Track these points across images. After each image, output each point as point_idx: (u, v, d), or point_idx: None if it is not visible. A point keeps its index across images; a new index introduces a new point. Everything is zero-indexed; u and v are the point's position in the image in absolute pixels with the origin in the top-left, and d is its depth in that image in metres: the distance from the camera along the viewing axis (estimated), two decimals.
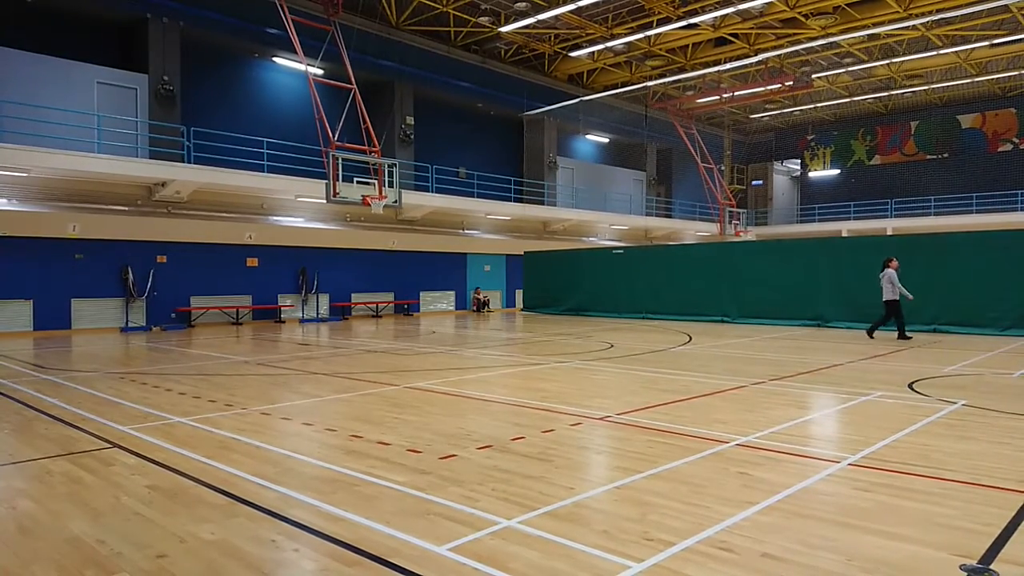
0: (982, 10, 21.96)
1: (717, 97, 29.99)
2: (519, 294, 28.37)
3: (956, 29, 24.76)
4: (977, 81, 31.06)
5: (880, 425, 6.12)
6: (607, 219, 31.42)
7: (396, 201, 19.50)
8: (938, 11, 22.20)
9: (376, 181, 18.95)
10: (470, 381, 9.03)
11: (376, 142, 19.36)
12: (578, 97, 30.18)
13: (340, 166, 18.09)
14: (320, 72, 20.26)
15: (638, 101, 32.69)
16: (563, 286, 24.69)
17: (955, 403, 7.14)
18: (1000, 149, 34.01)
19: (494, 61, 28.25)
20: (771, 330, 17.11)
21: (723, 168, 39.87)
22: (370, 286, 24.35)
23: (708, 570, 3.14)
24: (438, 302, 26.70)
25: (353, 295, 23.87)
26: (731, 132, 40.97)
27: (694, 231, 35.20)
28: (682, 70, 28.79)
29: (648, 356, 11.75)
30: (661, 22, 23.74)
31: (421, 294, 26.00)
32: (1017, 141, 33.50)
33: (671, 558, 3.26)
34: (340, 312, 23.47)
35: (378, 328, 19.43)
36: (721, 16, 23.20)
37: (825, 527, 3.65)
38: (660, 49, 26.95)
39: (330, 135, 17.82)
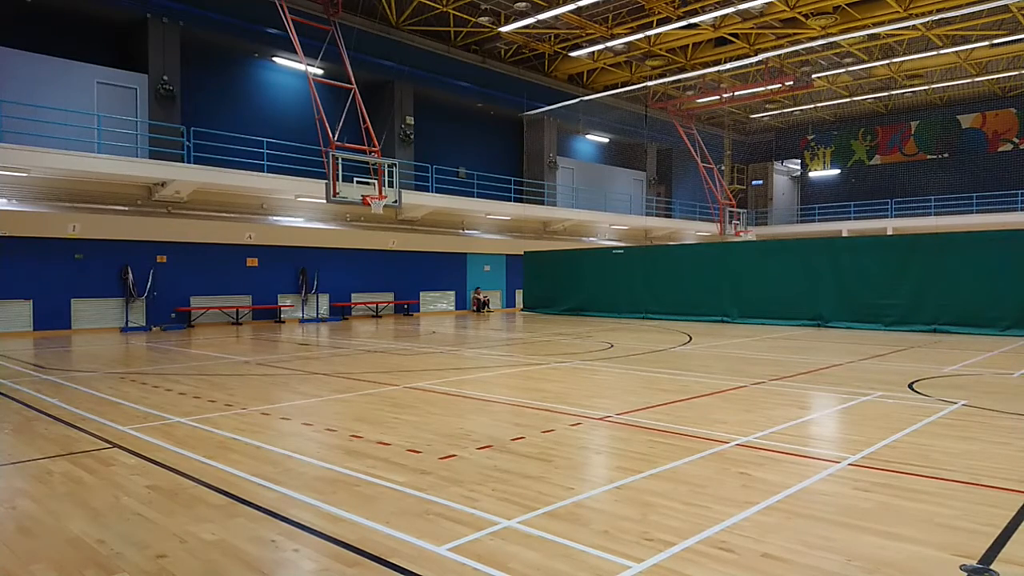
0: (982, 10, 21.95)
1: (717, 97, 29.97)
2: (519, 294, 28.36)
3: (956, 29, 24.75)
4: (977, 81, 31.05)
5: (880, 425, 6.12)
6: (607, 219, 31.42)
7: (396, 201, 19.49)
8: (938, 11, 22.19)
9: (376, 181, 18.94)
10: (470, 381, 9.03)
11: (376, 142, 19.36)
12: (578, 97, 30.17)
13: (340, 166, 18.08)
14: (320, 72, 20.25)
15: (638, 101, 32.68)
16: (563, 286, 24.69)
17: (955, 403, 7.14)
18: (1000, 149, 34.00)
19: (494, 61, 28.25)
20: (771, 330, 17.11)
21: (723, 168, 39.85)
22: (370, 286, 24.35)
23: (708, 570, 3.14)
24: (438, 302, 26.70)
25: (353, 295, 23.86)
26: (731, 132, 40.96)
27: (694, 231, 35.19)
28: (682, 70, 28.79)
29: (648, 356, 11.75)
30: (661, 22, 23.73)
31: (421, 294, 25.99)
32: (1017, 141, 33.49)
33: (671, 558, 3.26)
34: (340, 312, 23.47)
35: (378, 328, 19.43)
36: (721, 16, 23.19)
37: (825, 527, 3.66)
38: (660, 49, 26.94)
39: (330, 135, 17.82)
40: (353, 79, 19.39)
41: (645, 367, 10.30)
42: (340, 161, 18.07)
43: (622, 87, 30.85)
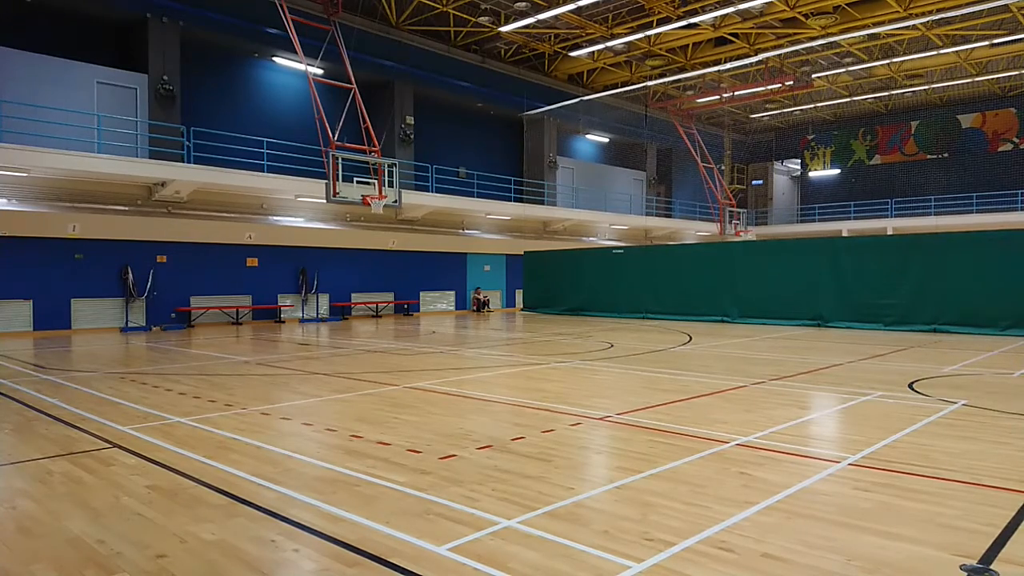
0: (982, 10, 21.94)
1: (717, 97, 29.98)
2: (519, 294, 28.35)
3: (956, 29, 24.75)
4: (977, 81, 31.05)
5: (880, 425, 6.12)
6: (607, 219, 31.42)
7: (396, 201, 19.49)
8: (938, 11, 22.19)
9: (376, 181, 18.95)
10: (470, 381, 9.03)
11: (376, 142, 19.36)
12: (578, 97, 30.16)
13: (340, 166, 18.09)
14: (320, 72, 20.25)
15: (638, 101, 32.67)
16: (563, 286, 24.69)
17: (955, 403, 7.14)
18: (1000, 149, 34.00)
19: (494, 61, 28.24)
20: (771, 330, 17.11)
21: (723, 168, 39.84)
22: (370, 286, 24.35)
23: (708, 570, 3.14)
24: (438, 302, 26.70)
25: (353, 295, 23.86)
26: (731, 132, 40.95)
27: (694, 231, 35.19)
28: (682, 70, 28.78)
29: (648, 356, 11.75)
30: (661, 22, 23.72)
31: (421, 294, 25.99)
32: (1017, 141, 33.49)
33: (671, 558, 3.27)
34: (340, 312, 23.46)
35: (378, 328, 19.43)
36: (721, 16, 23.18)
37: (825, 527, 3.66)
38: (660, 49, 26.93)
39: (330, 135, 17.82)
40: (353, 79, 19.39)
41: (645, 367, 10.30)
42: (340, 161, 18.07)
43: (622, 87, 30.85)
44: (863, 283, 17.09)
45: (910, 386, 8.28)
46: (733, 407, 7.07)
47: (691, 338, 15.13)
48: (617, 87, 31.19)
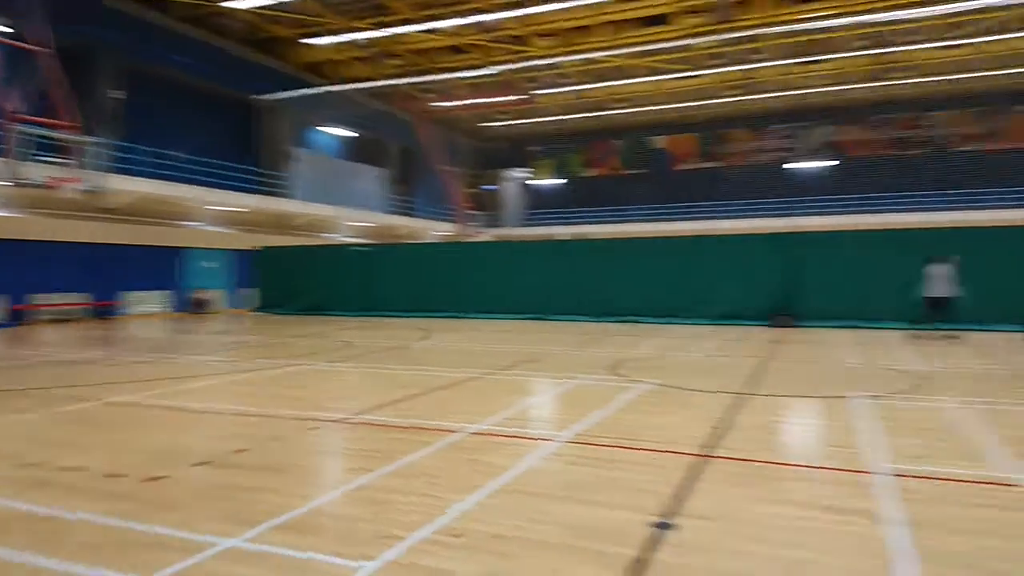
0: (673, 47, 25.85)
1: (455, 103, 31.13)
2: (251, 293, 26.41)
3: (654, 60, 28.81)
4: (666, 108, 36.59)
5: (590, 405, 6.85)
6: (349, 215, 30.80)
7: (97, 186, 16.86)
8: (639, 43, 25.67)
9: (71, 161, 16.21)
10: (185, 392, 8.14)
11: (73, 116, 16.53)
12: (318, 87, 29.06)
13: (23, 142, 15.16)
14: (4, 30, 16.66)
15: (382, 98, 32.55)
16: (302, 284, 23.61)
17: (649, 382, 8.28)
18: (683, 167, 40.69)
19: (223, 39, 25.88)
20: (502, 324, 18.24)
21: (461, 171, 41.54)
22: (58, 286, 20.66)
23: (441, 558, 3.21)
24: (149, 303, 23.68)
25: (33, 296, 20.03)
26: (468, 138, 42.87)
27: (434, 230, 36.13)
28: (423, 73, 29.33)
29: (386, 353, 11.74)
30: (403, 22, 23.89)
31: (126, 294, 22.78)
32: (697, 161, 40.35)
33: (406, 551, 3.28)
34: (17, 317, 19.53)
35: (70, 335, 16.61)
36: (460, 24, 24.08)
37: (546, 502, 3.97)
38: (402, 49, 27.14)
39: (12, 105, 14.82)
40: (47, 42, 16.28)
41: (383, 365, 10.27)
42: (23, 136, 15.16)
43: (365, 82, 30.43)
44: (578, 279, 19.24)
45: (612, 369, 9.41)
46: (466, 397, 7.38)
47: (429, 333, 15.48)
48: (360, 82, 30.68)
